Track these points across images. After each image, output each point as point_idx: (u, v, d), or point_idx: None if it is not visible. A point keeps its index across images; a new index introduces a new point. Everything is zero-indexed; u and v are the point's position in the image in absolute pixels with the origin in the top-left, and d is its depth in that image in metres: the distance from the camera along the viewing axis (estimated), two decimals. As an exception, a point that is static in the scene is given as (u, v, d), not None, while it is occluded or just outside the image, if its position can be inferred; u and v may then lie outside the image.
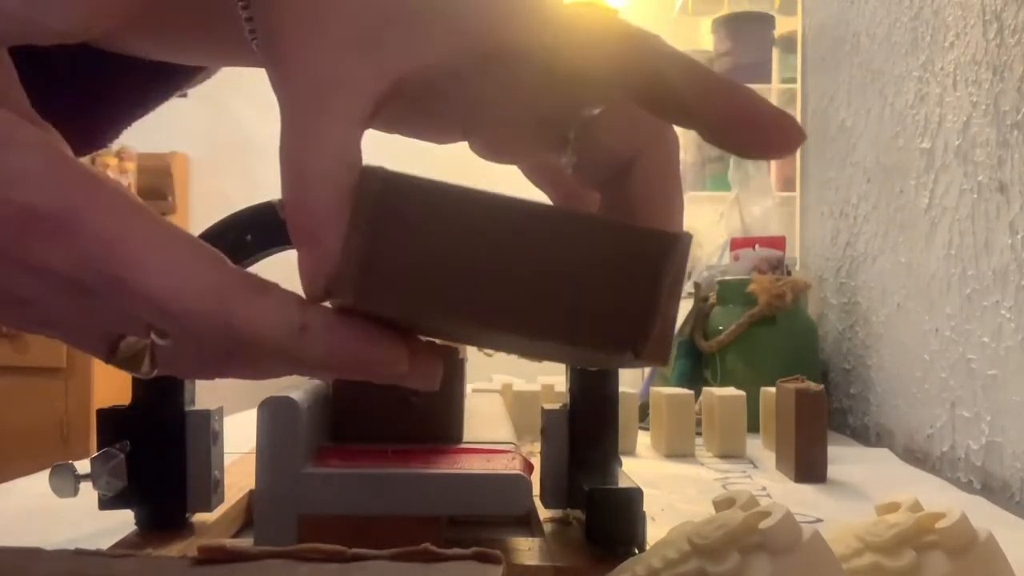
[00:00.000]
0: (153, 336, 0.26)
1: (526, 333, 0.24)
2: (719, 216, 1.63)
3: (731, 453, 0.87)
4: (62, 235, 0.23)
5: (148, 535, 0.47)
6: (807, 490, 0.72)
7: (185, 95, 2.97)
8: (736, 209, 1.34)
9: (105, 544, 0.44)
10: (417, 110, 0.31)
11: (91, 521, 0.51)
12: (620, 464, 0.48)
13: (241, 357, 0.27)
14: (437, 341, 0.29)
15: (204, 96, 2.50)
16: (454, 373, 0.53)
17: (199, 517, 0.49)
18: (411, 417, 0.52)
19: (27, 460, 0.91)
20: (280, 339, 0.25)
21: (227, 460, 0.53)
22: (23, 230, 0.23)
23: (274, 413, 0.42)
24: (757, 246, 1.23)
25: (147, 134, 2.20)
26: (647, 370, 1.28)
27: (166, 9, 0.33)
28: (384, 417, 0.52)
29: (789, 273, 1.21)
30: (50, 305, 0.25)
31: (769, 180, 1.42)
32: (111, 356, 0.27)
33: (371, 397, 0.52)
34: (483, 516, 0.49)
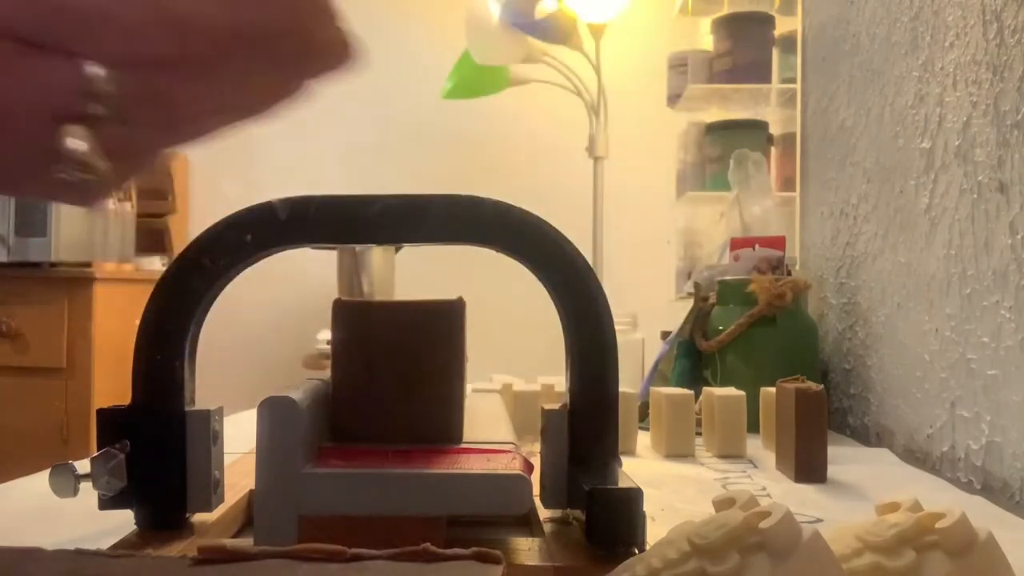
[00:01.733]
0: (93, 108, 0.26)
1: None
2: (719, 216, 1.63)
3: (731, 453, 0.87)
4: None
5: (148, 535, 0.47)
6: (807, 490, 0.72)
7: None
8: (736, 209, 1.34)
9: (105, 544, 0.44)
10: None
11: (91, 521, 0.51)
12: (620, 464, 0.48)
13: (188, 72, 0.27)
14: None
15: (204, 96, 2.49)
16: (454, 373, 0.53)
17: (199, 517, 0.49)
18: (411, 417, 0.52)
19: (27, 460, 0.91)
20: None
21: (227, 460, 0.53)
22: None
23: (274, 413, 0.42)
24: (757, 246, 1.22)
25: (147, 134, 2.20)
26: (647, 370, 1.28)
27: None
28: (384, 417, 0.52)
29: (789, 273, 1.21)
30: None
31: (769, 180, 1.42)
32: (57, 160, 0.27)
33: (371, 397, 0.52)
34: (483, 516, 0.49)
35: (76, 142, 0.27)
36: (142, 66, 0.27)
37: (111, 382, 2.38)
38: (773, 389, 0.84)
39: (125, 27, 0.25)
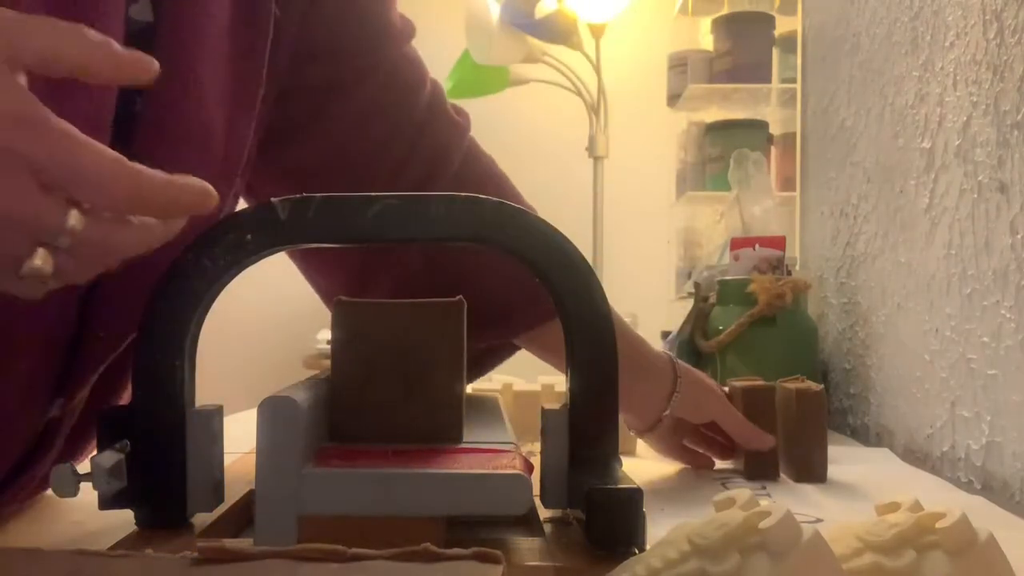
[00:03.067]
0: (63, 240, 0.36)
1: None
2: (719, 216, 1.63)
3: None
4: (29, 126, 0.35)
5: (148, 535, 0.47)
6: (807, 490, 0.72)
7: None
8: (736, 209, 1.34)
9: (105, 544, 0.44)
10: None
11: (91, 521, 0.51)
12: (620, 464, 0.48)
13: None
14: None
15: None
16: (454, 373, 0.53)
17: (199, 517, 0.49)
18: (411, 417, 0.52)
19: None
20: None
21: (227, 460, 0.53)
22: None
23: (274, 413, 0.42)
24: (757, 246, 1.22)
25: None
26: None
27: None
28: (384, 417, 0.52)
29: (789, 273, 1.21)
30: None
31: (769, 180, 1.41)
32: (17, 268, 0.36)
33: (371, 397, 0.52)
34: (483, 516, 0.49)
35: (42, 262, 0.37)
36: (103, 219, 0.38)
37: (111, 382, 2.37)
38: (773, 389, 0.84)
39: (119, 193, 0.37)
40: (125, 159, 0.37)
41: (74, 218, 0.36)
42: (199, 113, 0.55)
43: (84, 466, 0.46)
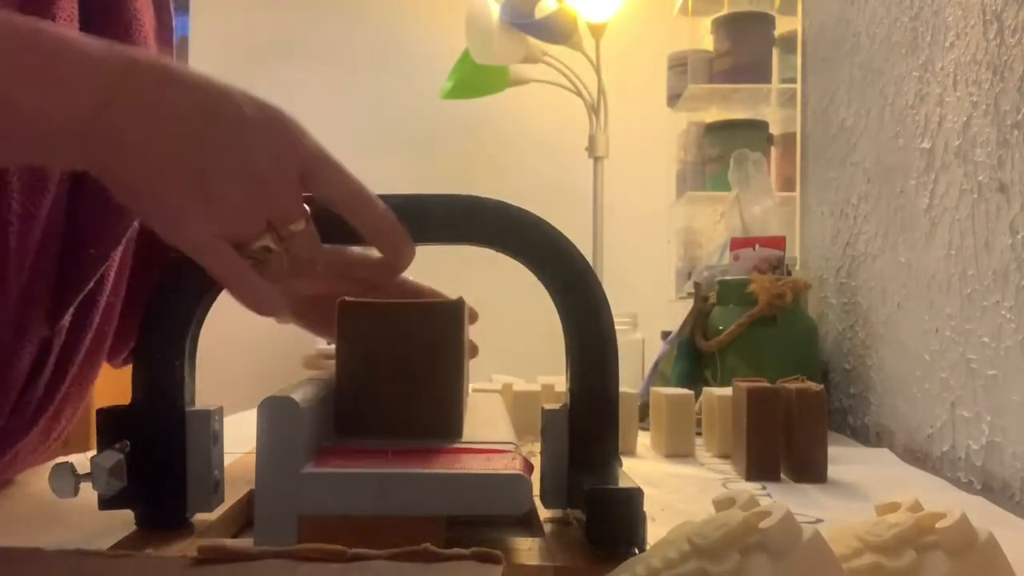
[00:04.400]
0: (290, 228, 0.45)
1: None
2: (719, 216, 1.63)
3: (731, 453, 0.87)
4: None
5: (148, 535, 0.47)
6: (807, 490, 0.72)
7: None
8: (736, 209, 1.34)
9: (105, 544, 0.44)
10: None
11: (91, 521, 0.51)
12: (620, 464, 0.48)
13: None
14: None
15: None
16: (455, 371, 0.53)
17: (199, 517, 0.49)
18: (413, 414, 0.52)
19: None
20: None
21: (227, 460, 0.53)
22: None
23: (274, 413, 0.42)
24: (757, 246, 1.22)
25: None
26: (647, 370, 1.28)
27: None
28: (386, 414, 0.52)
29: (789, 273, 1.21)
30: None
31: (769, 180, 1.41)
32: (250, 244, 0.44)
33: (374, 394, 0.52)
34: (483, 516, 0.49)
35: (271, 243, 0.44)
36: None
37: (111, 382, 2.38)
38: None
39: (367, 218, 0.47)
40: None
41: (305, 217, 0.45)
42: None
43: (84, 466, 0.46)
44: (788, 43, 1.58)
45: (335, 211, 0.47)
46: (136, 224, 0.59)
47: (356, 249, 0.58)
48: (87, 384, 0.65)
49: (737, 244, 1.25)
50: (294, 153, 0.44)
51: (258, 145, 0.43)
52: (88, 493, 0.46)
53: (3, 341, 0.53)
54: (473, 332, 0.67)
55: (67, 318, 0.57)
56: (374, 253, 0.50)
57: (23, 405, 0.58)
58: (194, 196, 0.42)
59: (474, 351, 0.69)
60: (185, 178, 0.42)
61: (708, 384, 1.12)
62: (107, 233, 0.56)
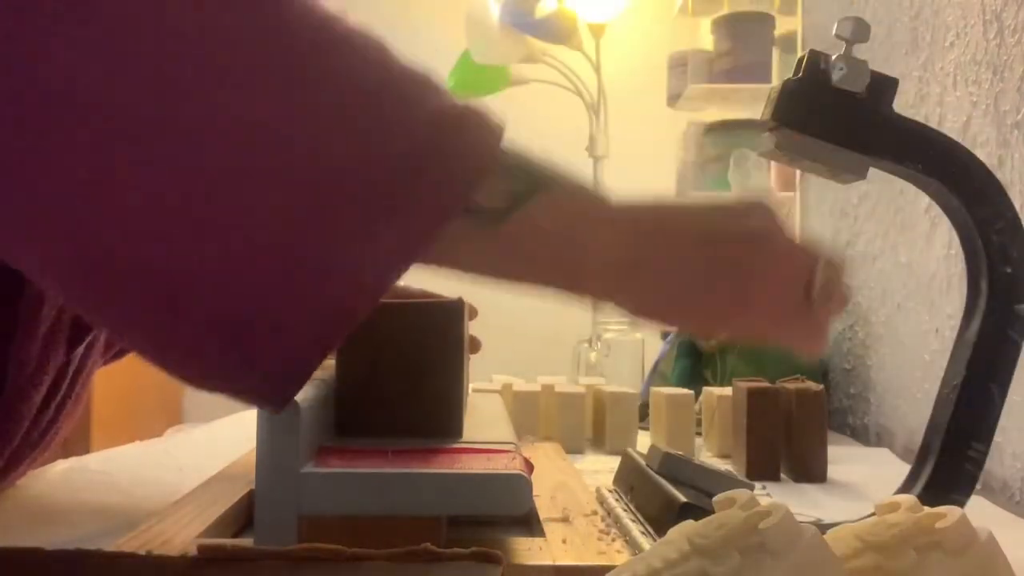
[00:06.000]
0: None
1: None
2: (719, 216, 1.62)
3: (731, 453, 0.87)
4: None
5: (148, 535, 0.46)
6: (807, 490, 0.72)
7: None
8: (736, 209, 1.33)
9: (105, 544, 0.44)
10: None
11: (91, 521, 0.51)
12: None
13: None
14: None
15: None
16: (454, 371, 0.53)
17: (199, 516, 0.49)
18: (413, 414, 0.52)
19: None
20: None
21: (227, 460, 0.53)
22: None
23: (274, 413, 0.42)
24: (757, 246, 1.22)
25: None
26: (647, 370, 1.28)
27: None
28: (387, 414, 0.52)
29: (789, 273, 1.21)
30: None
31: (769, 180, 1.41)
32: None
33: (374, 394, 0.52)
34: (483, 516, 0.49)
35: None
36: None
37: (111, 382, 2.37)
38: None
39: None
40: None
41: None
42: None
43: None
44: (788, 43, 1.58)
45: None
46: None
47: None
48: (86, 391, 0.65)
49: (737, 244, 1.25)
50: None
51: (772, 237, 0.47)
52: (88, 493, 0.46)
53: (24, 375, 0.53)
54: (473, 330, 0.67)
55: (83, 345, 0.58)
56: None
57: (33, 429, 0.58)
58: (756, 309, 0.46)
59: (476, 346, 0.69)
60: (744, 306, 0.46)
61: (708, 384, 1.12)
62: None
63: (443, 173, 0.37)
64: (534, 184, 0.40)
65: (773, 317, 0.47)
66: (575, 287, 0.43)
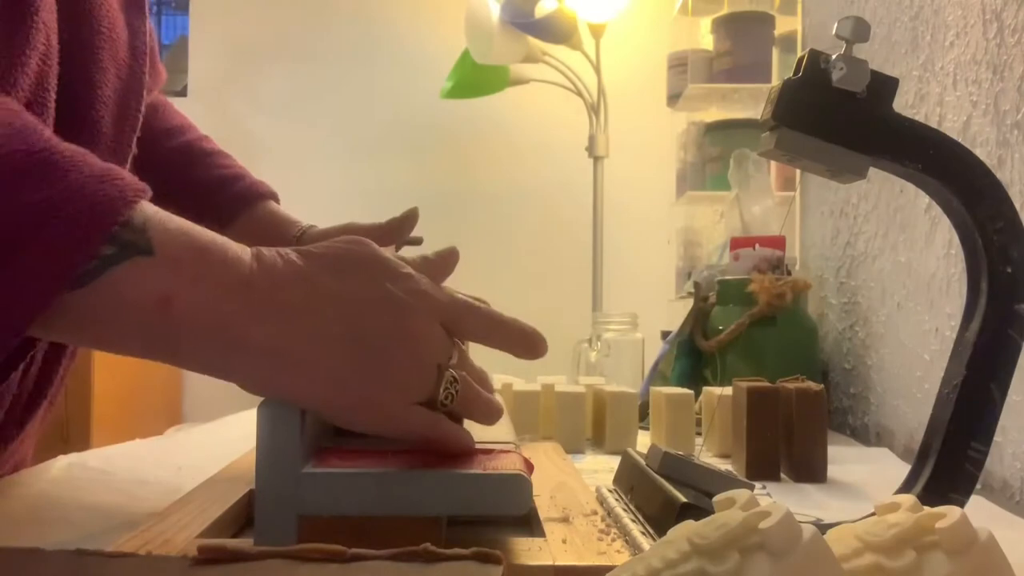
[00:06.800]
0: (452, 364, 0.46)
1: None
2: (719, 216, 1.63)
3: (731, 453, 0.87)
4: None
5: (147, 535, 0.46)
6: (807, 490, 0.72)
7: (185, 94, 2.92)
8: (736, 209, 1.34)
9: (105, 544, 0.44)
10: None
11: (91, 521, 0.51)
12: None
13: None
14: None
15: (204, 95, 2.51)
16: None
17: (199, 516, 0.49)
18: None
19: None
20: None
21: (227, 460, 0.53)
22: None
23: (274, 413, 0.42)
24: (757, 246, 1.22)
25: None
26: (647, 370, 1.28)
27: None
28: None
29: (789, 273, 1.21)
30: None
31: (769, 180, 1.41)
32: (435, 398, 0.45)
33: None
34: (483, 516, 0.49)
35: (450, 384, 0.46)
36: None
37: (111, 382, 2.38)
38: (773, 389, 0.84)
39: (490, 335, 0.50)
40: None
41: (457, 350, 0.47)
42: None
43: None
44: (788, 43, 1.58)
45: (479, 342, 0.50)
46: None
47: None
48: (60, 393, 0.66)
49: (737, 244, 1.25)
50: (435, 305, 0.46)
51: (408, 312, 0.45)
52: (88, 492, 0.46)
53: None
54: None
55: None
56: None
57: (15, 403, 0.58)
58: (371, 382, 0.43)
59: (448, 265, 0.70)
60: (352, 373, 0.43)
61: (708, 384, 1.12)
62: None
63: (41, 263, 0.37)
64: (130, 249, 0.39)
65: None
66: (170, 358, 0.41)
